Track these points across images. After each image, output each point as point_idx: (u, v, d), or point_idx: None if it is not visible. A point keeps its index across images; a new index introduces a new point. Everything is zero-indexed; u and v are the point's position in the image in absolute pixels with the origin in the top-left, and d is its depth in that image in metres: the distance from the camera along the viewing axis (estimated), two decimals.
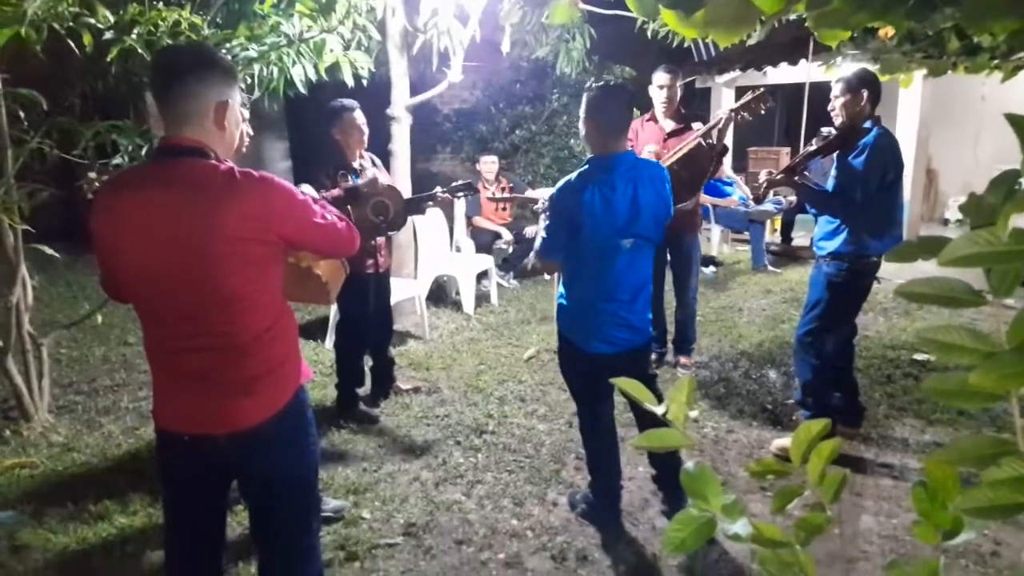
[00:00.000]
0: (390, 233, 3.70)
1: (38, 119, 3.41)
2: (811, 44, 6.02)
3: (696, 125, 4.04)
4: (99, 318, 3.99)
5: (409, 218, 3.95)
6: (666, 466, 2.75)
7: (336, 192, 3.32)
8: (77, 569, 2.58)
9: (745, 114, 3.73)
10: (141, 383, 4.27)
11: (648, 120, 4.24)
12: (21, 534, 2.75)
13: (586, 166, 2.51)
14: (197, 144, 1.58)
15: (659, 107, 4.16)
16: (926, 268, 0.60)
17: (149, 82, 1.64)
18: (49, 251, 3.61)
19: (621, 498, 2.83)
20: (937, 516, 0.68)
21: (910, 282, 0.65)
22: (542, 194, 3.23)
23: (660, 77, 4.11)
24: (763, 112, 3.75)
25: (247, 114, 2.04)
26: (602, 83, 2.53)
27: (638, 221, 2.48)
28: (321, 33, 3.61)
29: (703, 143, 3.78)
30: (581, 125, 2.56)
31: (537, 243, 2.63)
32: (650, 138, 4.14)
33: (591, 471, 2.84)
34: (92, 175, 3.02)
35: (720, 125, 3.79)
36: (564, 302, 2.66)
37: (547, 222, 2.58)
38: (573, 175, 2.51)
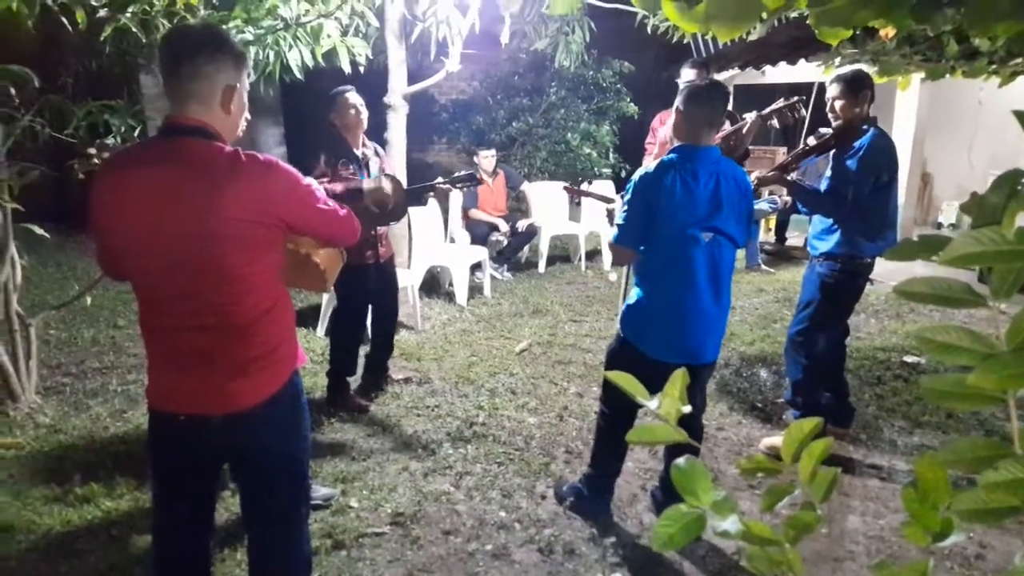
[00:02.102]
0: (390, 223, 3.67)
1: (30, 97, 3.36)
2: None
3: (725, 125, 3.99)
4: (88, 300, 3.96)
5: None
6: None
7: (339, 188, 3.22)
8: (62, 552, 2.56)
9: (774, 120, 3.62)
10: (130, 366, 4.25)
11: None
12: (5, 515, 2.73)
13: (673, 155, 2.49)
14: (201, 124, 1.58)
15: None
16: (920, 271, 0.59)
17: (158, 59, 1.64)
18: (39, 231, 3.57)
19: (613, 493, 2.84)
20: (927, 518, 0.67)
21: (908, 281, 0.64)
22: (616, 197, 3.20)
23: (687, 73, 4.10)
24: (793, 122, 3.62)
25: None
26: (702, 81, 2.55)
27: (719, 214, 2.43)
28: (318, 17, 3.58)
29: (726, 144, 3.72)
30: (673, 114, 2.56)
31: (613, 230, 2.58)
32: None
33: (594, 465, 2.81)
34: (92, 151, 2.97)
35: (746, 128, 3.69)
36: (634, 303, 2.58)
37: (625, 207, 2.52)
38: (655, 161, 2.51)
